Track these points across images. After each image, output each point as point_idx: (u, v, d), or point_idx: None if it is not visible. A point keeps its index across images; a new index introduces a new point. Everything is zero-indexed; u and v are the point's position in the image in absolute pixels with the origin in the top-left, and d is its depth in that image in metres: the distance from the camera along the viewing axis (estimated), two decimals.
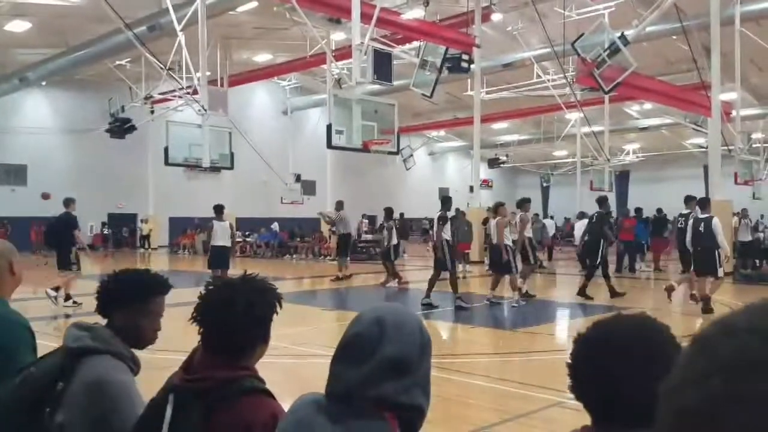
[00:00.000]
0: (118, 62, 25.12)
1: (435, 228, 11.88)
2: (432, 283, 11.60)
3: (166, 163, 17.86)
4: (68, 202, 11.95)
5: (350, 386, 1.34)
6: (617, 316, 1.21)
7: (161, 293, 2.10)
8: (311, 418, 1.37)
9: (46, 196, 15.05)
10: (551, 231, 23.32)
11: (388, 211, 15.91)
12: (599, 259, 12.28)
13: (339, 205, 16.96)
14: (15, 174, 29.73)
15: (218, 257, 12.55)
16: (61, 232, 11.87)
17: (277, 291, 1.81)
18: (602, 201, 13.09)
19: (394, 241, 15.17)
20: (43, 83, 27.44)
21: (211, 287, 1.76)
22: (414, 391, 1.36)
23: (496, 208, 12.08)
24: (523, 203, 12.77)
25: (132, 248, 31.56)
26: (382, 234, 16.52)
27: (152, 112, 24.56)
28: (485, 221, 18.93)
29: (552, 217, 23.92)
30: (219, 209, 12.76)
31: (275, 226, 28.23)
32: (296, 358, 7.26)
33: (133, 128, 21.69)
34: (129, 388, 1.92)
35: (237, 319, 1.67)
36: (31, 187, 29.65)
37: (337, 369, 1.38)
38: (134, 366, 2.02)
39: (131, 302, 2.04)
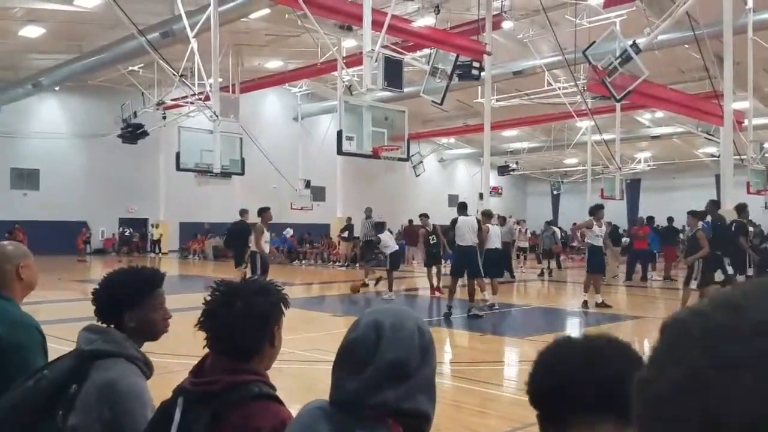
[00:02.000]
0: (131, 68, 25.24)
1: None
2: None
3: (178, 168, 17.96)
4: (243, 212, 13.95)
5: (351, 394, 1.31)
6: (584, 335, 1.18)
7: (161, 284, 2.16)
8: (316, 425, 1.35)
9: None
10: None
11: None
12: (743, 268, 11.49)
13: (368, 212, 17.63)
14: (27, 178, 29.94)
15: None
16: (235, 236, 14.04)
17: (282, 292, 1.78)
18: (741, 209, 11.73)
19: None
20: (57, 88, 27.64)
21: (214, 291, 1.76)
22: (417, 397, 1.32)
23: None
24: (597, 210, 12.45)
25: (142, 253, 31.69)
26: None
27: (164, 117, 24.69)
28: None
29: (558, 226, 23.78)
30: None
31: (288, 232, 28.21)
32: (306, 364, 7.25)
33: (145, 134, 21.84)
34: (141, 392, 1.93)
35: (236, 319, 1.66)
36: (44, 192, 29.88)
37: (337, 376, 1.36)
38: (147, 369, 2.03)
39: (141, 300, 2.06)
